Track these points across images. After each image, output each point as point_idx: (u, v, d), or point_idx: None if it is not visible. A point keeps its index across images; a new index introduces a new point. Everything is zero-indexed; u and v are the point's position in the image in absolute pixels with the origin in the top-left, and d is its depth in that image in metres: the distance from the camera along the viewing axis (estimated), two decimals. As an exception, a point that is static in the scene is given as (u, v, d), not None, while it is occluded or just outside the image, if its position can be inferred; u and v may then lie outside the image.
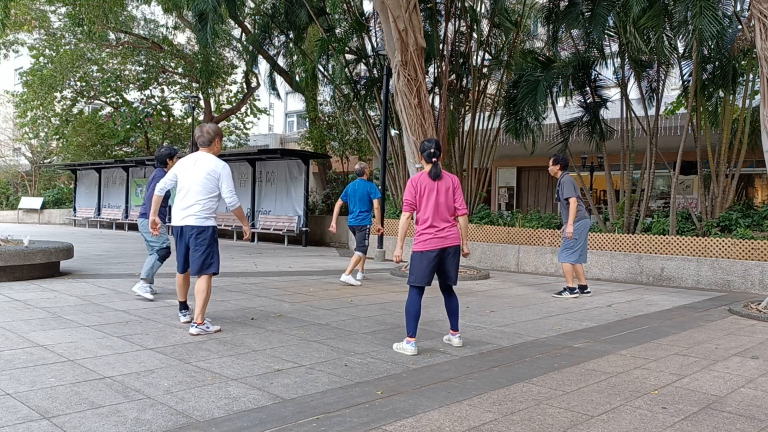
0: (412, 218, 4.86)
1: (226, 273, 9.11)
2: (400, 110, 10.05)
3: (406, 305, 4.71)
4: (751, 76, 10.51)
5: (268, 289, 7.79)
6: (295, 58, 18.87)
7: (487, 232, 11.86)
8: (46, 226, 24.62)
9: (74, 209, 25.89)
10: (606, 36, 11.56)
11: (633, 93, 12.57)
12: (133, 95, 26.36)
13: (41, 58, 24.10)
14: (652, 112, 11.64)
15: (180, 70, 25.00)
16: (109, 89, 25.02)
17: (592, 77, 12.28)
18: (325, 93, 20.33)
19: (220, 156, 5.41)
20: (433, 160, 4.81)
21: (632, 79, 11.85)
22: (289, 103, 31.07)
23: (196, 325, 5.08)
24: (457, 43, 13.98)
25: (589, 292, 8.06)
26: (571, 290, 7.75)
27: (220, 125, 26.80)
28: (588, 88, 12.34)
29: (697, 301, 7.74)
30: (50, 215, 27.83)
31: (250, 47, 17.89)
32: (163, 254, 6.76)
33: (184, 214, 5.13)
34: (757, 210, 10.55)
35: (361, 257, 8.49)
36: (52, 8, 22.58)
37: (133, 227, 22.50)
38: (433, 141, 4.87)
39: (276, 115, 32.70)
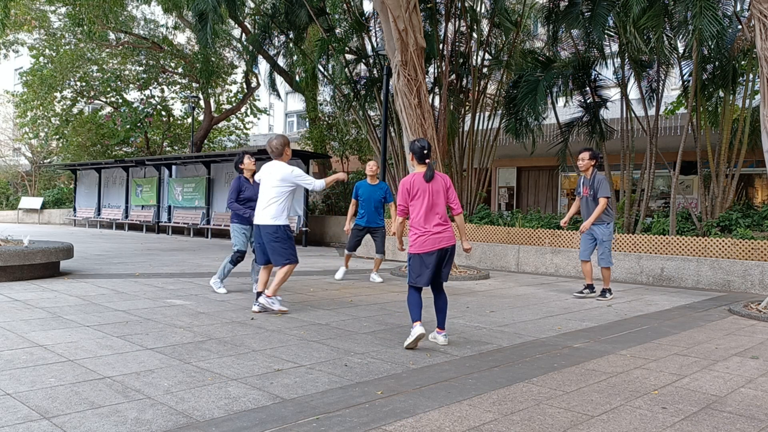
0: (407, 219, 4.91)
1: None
2: (400, 110, 10.05)
3: (408, 300, 4.81)
4: (751, 76, 10.51)
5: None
6: (295, 58, 18.84)
7: (487, 232, 11.85)
8: (46, 226, 24.62)
9: (74, 209, 25.87)
10: (606, 36, 11.56)
11: (633, 93, 12.57)
12: (133, 95, 26.34)
13: (41, 58, 24.08)
14: (652, 112, 11.64)
15: (180, 70, 24.98)
16: (109, 89, 25.01)
17: (592, 77, 12.28)
18: (325, 93, 20.30)
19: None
20: (426, 161, 4.82)
21: (632, 79, 11.85)
22: (289, 103, 31.05)
23: (265, 295, 5.97)
24: (457, 43, 13.97)
25: (595, 292, 8.13)
26: (610, 291, 7.81)
27: (219, 125, 26.81)
28: (588, 88, 12.34)
29: (697, 301, 7.74)
30: (50, 215, 27.82)
31: (250, 47, 17.86)
32: (236, 258, 7.25)
33: (260, 215, 5.99)
34: (757, 210, 10.55)
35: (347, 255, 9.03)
36: (52, 8, 22.56)
37: (133, 227, 22.49)
38: (423, 141, 4.86)
39: (276, 115, 32.68)
